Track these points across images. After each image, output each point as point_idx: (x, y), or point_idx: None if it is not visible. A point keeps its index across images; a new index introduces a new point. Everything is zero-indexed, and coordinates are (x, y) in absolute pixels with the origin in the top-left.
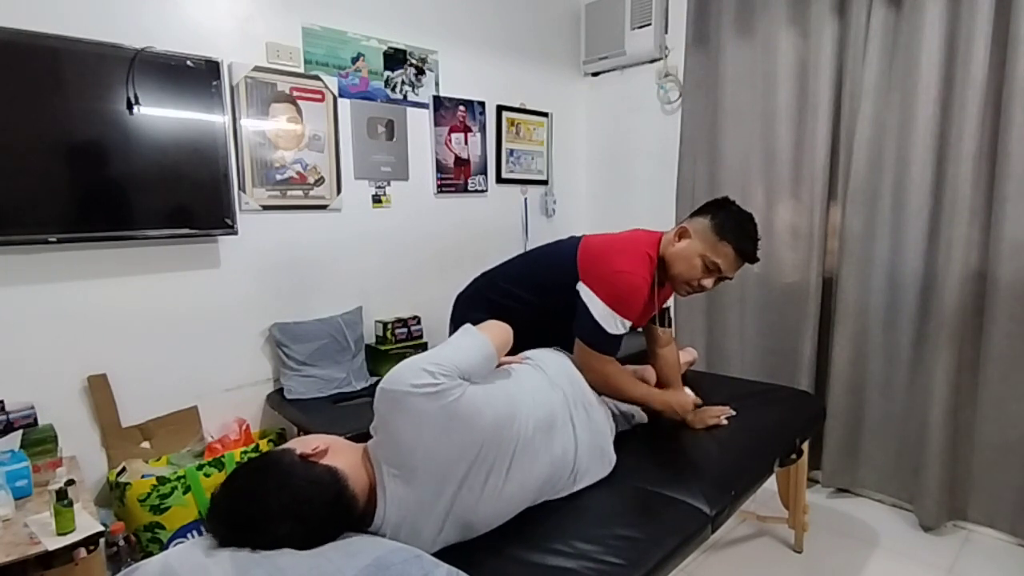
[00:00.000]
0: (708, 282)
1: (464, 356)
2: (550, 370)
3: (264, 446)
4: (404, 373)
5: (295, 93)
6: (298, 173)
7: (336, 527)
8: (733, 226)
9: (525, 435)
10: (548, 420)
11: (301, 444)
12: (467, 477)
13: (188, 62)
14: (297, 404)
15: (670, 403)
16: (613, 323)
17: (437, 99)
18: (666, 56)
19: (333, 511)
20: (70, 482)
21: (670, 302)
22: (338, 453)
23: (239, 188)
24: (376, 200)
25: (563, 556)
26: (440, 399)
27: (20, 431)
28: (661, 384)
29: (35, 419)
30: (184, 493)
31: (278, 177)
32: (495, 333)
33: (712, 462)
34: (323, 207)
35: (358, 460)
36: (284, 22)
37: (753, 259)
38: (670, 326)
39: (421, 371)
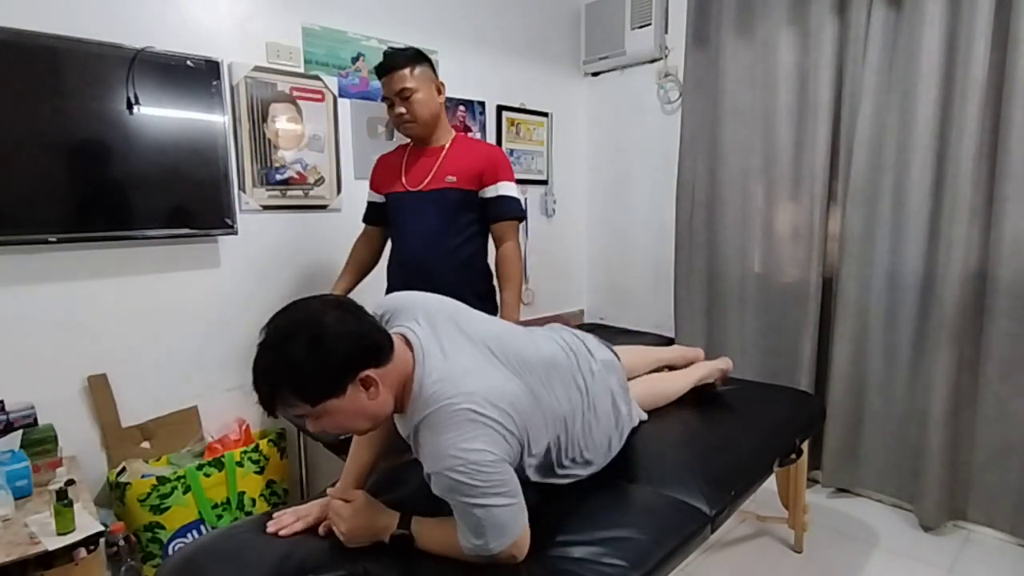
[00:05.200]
0: (397, 111)
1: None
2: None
3: (264, 446)
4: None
5: (295, 93)
6: (298, 173)
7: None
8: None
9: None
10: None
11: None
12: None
13: (188, 62)
14: None
15: None
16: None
17: None
18: (666, 56)
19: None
20: (70, 482)
21: (509, 188)
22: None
23: (239, 188)
24: None
25: (563, 557)
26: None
27: (20, 431)
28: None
29: (35, 419)
30: (184, 493)
31: (278, 177)
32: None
33: (712, 462)
34: (323, 207)
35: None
36: (284, 22)
37: (387, 62)
38: (508, 219)
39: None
